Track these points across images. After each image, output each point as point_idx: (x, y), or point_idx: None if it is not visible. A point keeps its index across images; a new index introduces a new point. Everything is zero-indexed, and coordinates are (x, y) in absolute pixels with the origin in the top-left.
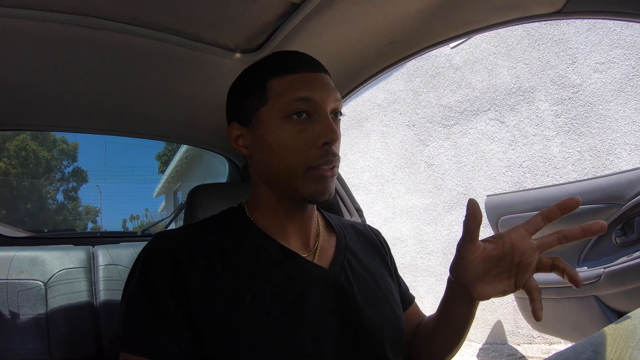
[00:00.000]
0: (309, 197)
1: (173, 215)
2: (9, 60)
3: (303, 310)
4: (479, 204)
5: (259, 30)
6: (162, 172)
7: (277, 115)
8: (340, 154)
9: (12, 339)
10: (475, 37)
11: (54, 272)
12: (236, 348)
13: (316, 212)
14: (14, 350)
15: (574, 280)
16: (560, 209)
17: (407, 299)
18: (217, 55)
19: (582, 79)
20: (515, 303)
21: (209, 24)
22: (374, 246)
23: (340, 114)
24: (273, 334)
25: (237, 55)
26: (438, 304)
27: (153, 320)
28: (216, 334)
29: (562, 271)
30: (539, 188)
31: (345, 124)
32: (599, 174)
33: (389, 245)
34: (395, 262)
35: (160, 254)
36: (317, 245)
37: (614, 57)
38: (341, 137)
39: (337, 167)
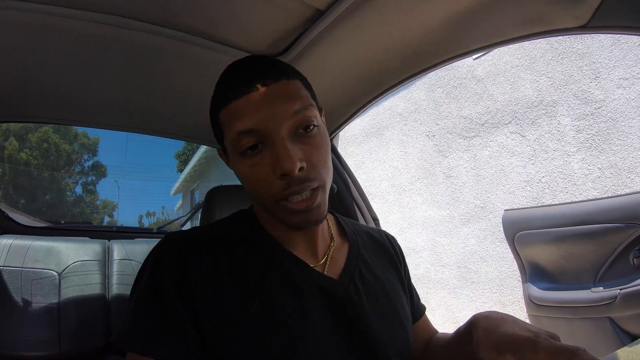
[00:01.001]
0: (294, 227)
1: (189, 214)
2: (35, 54)
3: (309, 320)
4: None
5: (283, 35)
6: (181, 170)
7: (233, 150)
8: (358, 161)
9: (23, 326)
10: (498, 49)
11: (69, 263)
12: (240, 354)
13: (328, 218)
14: (24, 338)
15: None
16: None
17: (418, 312)
18: (239, 58)
19: (605, 95)
20: (528, 320)
21: (233, 27)
22: (388, 255)
23: (314, 126)
24: (277, 343)
25: None
26: (450, 318)
27: (161, 321)
28: (221, 338)
29: None
30: (558, 204)
31: (364, 132)
32: (619, 192)
33: (404, 254)
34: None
35: (168, 256)
36: (328, 254)
37: (638, 73)
38: (326, 147)
39: (318, 192)
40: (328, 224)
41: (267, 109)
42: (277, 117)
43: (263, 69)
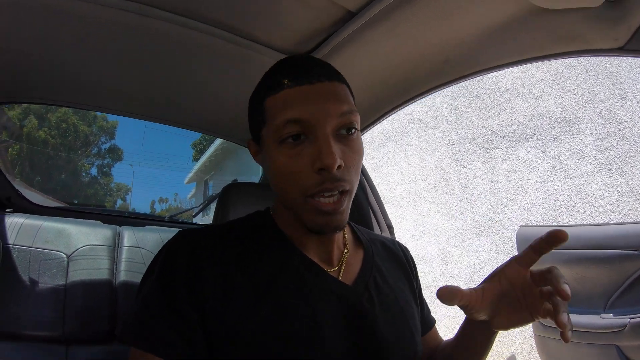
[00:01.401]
0: (314, 229)
1: (202, 205)
2: (60, 39)
3: (319, 325)
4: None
5: (313, 34)
6: (197, 160)
7: (273, 138)
8: (375, 164)
9: (28, 305)
10: None
11: (78, 246)
12: (247, 355)
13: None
14: (29, 317)
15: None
16: (548, 242)
17: (428, 323)
18: (268, 56)
19: (630, 116)
20: (532, 340)
21: (262, 24)
22: (401, 265)
23: (356, 130)
24: (285, 347)
25: None
26: (455, 329)
27: (168, 319)
28: (227, 340)
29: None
30: (574, 226)
31: (383, 136)
32: (637, 217)
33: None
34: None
35: (180, 254)
36: (343, 261)
37: None
38: (361, 153)
39: (346, 196)
40: (343, 231)
41: (318, 104)
42: (326, 113)
43: (318, 67)
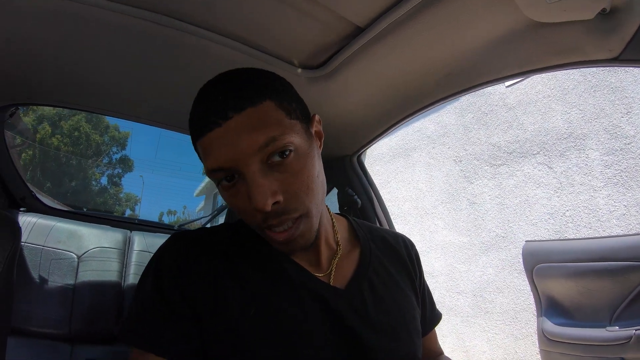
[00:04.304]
0: (282, 250)
1: (212, 215)
2: (74, 44)
3: (309, 330)
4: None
5: (322, 49)
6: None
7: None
8: (383, 180)
9: (36, 302)
10: (532, 77)
11: (90, 247)
12: (237, 357)
13: (339, 223)
14: (37, 314)
15: None
16: None
17: (428, 324)
18: (278, 67)
19: (635, 130)
20: (539, 356)
21: (273, 36)
22: (402, 262)
23: (290, 151)
24: (276, 350)
25: (298, 70)
26: (459, 344)
27: (163, 318)
28: (219, 342)
29: None
30: (579, 239)
31: (392, 152)
32: None
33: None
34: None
35: (172, 256)
36: (334, 263)
37: None
38: (305, 171)
39: (301, 221)
40: (334, 230)
41: (231, 147)
42: (243, 153)
43: (225, 98)
